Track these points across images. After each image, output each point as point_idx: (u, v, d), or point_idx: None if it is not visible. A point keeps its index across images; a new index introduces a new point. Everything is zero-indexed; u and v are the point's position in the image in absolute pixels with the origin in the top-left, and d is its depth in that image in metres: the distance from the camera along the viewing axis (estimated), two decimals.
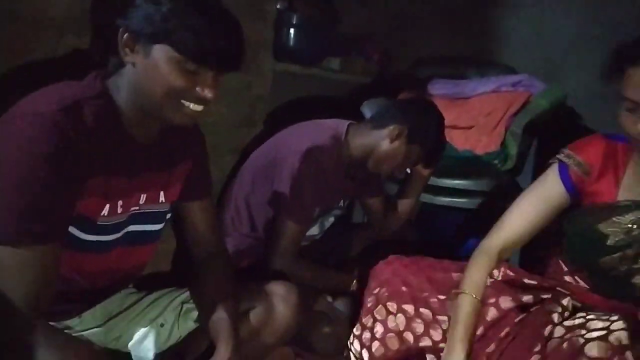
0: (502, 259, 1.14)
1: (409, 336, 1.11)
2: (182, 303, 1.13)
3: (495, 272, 1.12)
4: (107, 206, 0.94)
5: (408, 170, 1.65)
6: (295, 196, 1.39)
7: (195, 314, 1.11)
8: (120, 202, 0.96)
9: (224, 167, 1.69)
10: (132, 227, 1.02)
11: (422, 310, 1.11)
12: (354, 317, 1.26)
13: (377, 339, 1.13)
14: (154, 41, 0.88)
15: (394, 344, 1.12)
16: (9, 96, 0.88)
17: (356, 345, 1.17)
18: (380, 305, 1.15)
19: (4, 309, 0.79)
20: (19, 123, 0.82)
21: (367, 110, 1.99)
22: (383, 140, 1.49)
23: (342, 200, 1.66)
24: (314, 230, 1.62)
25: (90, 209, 0.92)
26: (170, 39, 0.87)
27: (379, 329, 1.13)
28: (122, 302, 1.12)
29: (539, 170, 1.21)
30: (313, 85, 2.08)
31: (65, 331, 1.01)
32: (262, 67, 1.76)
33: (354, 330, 1.19)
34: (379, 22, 2.50)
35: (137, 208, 1.01)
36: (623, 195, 1.08)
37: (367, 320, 1.16)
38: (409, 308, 1.12)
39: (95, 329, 1.07)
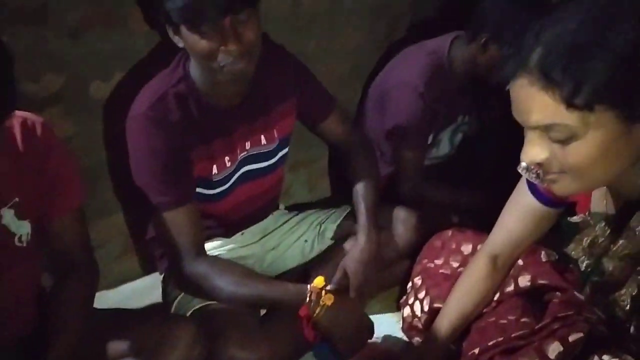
0: (504, 264, 1.01)
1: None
2: (320, 224, 1.37)
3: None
4: (215, 166, 1.13)
5: None
6: (403, 129, 1.48)
7: (330, 232, 1.35)
8: (227, 158, 1.15)
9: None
10: (246, 168, 1.20)
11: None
12: None
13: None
14: (170, 23, 0.98)
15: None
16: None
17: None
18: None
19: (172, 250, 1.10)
20: (130, 124, 1.06)
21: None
22: (478, 54, 1.44)
23: (460, 117, 1.66)
24: (445, 148, 1.68)
25: (203, 172, 1.12)
26: (168, 17, 0.95)
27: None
28: (275, 221, 1.38)
29: None
30: None
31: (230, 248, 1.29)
32: None
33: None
34: None
35: (245, 153, 1.18)
36: (595, 207, 0.85)
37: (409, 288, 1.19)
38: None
39: (254, 244, 1.34)
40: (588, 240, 0.87)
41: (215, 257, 1.19)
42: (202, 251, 1.14)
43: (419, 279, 1.15)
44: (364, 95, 1.71)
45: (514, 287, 0.99)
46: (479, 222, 1.18)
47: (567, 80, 0.62)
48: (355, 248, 1.21)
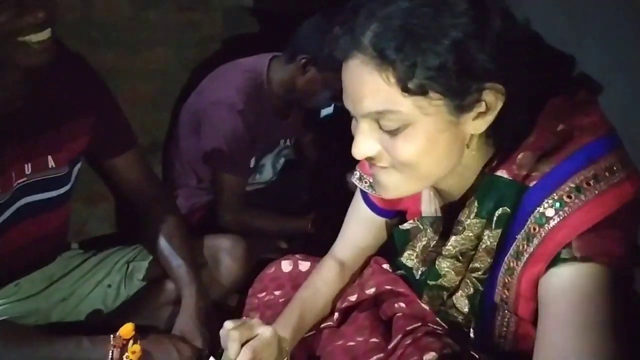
0: (350, 270, 0.95)
1: None
2: (128, 262, 1.13)
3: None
4: None
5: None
6: (223, 150, 1.38)
7: (141, 273, 1.11)
8: None
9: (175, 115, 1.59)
10: (26, 199, 0.94)
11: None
12: None
13: None
14: None
15: None
16: None
17: None
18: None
19: None
20: None
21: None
22: (297, 75, 1.41)
23: (282, 141, 1.61)
24: (267, 174, 1.61)
25: None
26: None
27: None
28: (65, 265, 1.09)
29: None
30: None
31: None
32: (210, 4, 1.65)
33: None
34: None
35: (25, 179, 0.92)
36: (425, 210, 0.81)
37: None
38: None
39: (35, 296, 1.03)
40: (421, 246, 0.84)
41: None
42: None
43: (255, 314, 0.99)
44: (174, 119, 1.56)
45: (358, 294, 0.92)
46: (307, 248, 1.08)
47: (401, 59, 0.59)
48: (187, 310, 1.00)
